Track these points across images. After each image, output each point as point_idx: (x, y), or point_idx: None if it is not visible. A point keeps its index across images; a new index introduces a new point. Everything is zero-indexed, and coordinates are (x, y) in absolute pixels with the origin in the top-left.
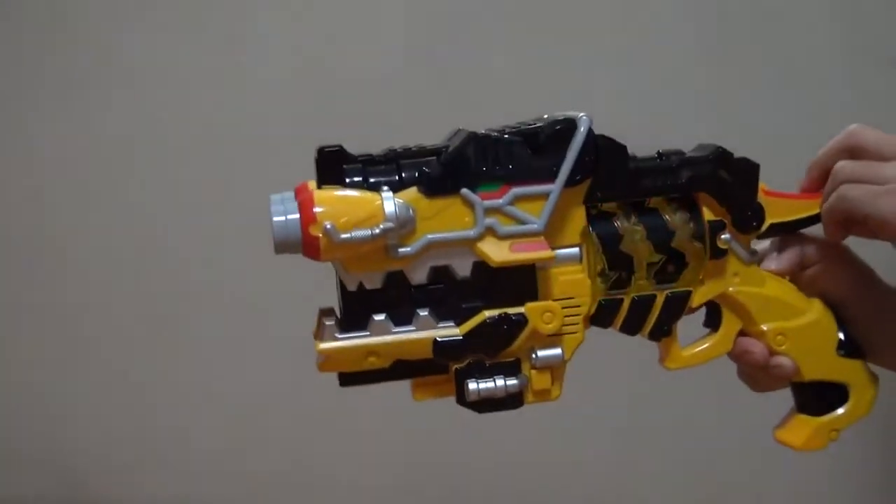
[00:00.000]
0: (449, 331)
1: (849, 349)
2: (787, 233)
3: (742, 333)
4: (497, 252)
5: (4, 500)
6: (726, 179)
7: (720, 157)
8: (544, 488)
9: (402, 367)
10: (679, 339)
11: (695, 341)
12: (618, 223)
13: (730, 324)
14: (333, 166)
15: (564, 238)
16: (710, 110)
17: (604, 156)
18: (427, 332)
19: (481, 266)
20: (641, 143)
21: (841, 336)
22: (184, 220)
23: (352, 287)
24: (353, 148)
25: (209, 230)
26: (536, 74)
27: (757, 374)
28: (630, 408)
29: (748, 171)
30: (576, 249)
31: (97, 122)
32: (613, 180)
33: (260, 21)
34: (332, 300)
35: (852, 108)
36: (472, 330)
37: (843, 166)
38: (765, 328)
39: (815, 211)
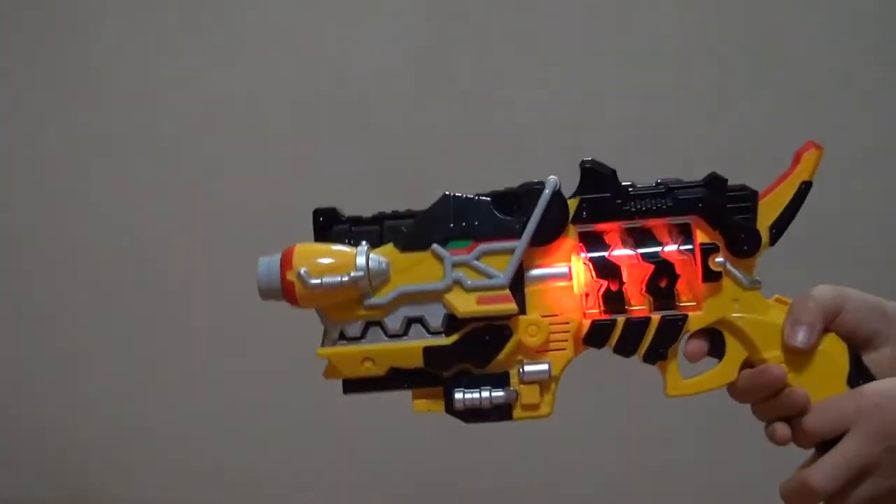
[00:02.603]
0: (438, 340)
1: (863, 382)
2: (787, 224)
3: (748, 365)
4: (463, 304)
5: (4, 501)
6: (717, 204)
7: (712, 182)
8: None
9: (398, 376)
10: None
11: (703, 372)
12: (607, 238)
13: (734, 352)
14: (326, 225)
15: (554, 256)
16: (710, 111)
17: (590, 178)
18: (417, 340)
19: (452, 318)
20: (642, 144)
21: (853, 368)
22: (183, 221)
23: (334, 335)
24: (354, 152)
25: (209, 231)
26: (539, 76)
27: (771, 406)
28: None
29: (744, 198)
30: (565, 267)
31: (97, 123)
32: (600, 202)
33: (261, 22)
34: None
35: (852, 108)
36: (459, 339)
37: None
38: (767, 356)
39: (797, 184)
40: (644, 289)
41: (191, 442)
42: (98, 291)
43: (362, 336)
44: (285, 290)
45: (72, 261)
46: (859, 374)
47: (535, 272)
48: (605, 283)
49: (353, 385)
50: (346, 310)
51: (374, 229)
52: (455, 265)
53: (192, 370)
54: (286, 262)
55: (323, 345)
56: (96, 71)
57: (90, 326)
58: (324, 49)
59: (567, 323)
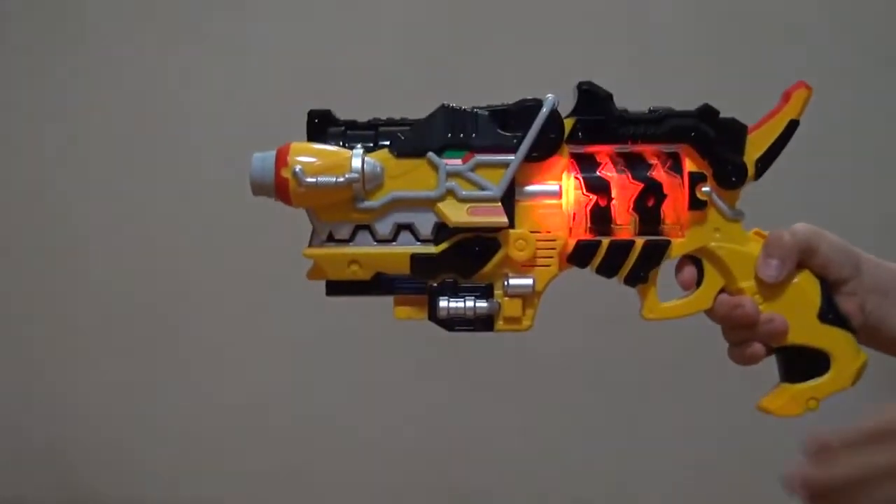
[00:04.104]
0: (426, 248)
1: (833, 316)
2: (773, 159)
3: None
4: (455, 213)
5: (4, 501)
6: (709, 134)
7: (704, 112)
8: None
9: (383, 282)
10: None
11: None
12: (599, 159)
13: (711, 280)
14: (320, 127)
15: (546, 173)
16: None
17: (587, 100)
18: (405, 247)
19: (442, 226)
20: None
21: (825, 304)
22: (184, 221)
23: (322, 236)
24: None
25: (209, 231)
26: (535, 74)
27: (746, 334)
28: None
29: (735, 131)
30: (556, 185)
31: (97, 122)
32: (594, 124)
33: (259, 20)
34: (329, 303)
35: (852, 108)
36: (447, 249)
37: None
38: (743, 286)
39: (786, 122)
40: (632, 206)
41: (191, 442)
42: (97, 291)
43: (350, 239)
44: (278, 187)
45: (71, 259)
46: (829, 310)
47: (527, 188)
48: (593, 198)
49: (337, 287)
50: (336, 211)
51: (368, 134)
52: (449, 174)
53: (192, 370)
54: (281, 159)
55: (311, 245)
56: (92, 68)
57: (89, 326)
58: (324, 49)
59: (554, 240)
